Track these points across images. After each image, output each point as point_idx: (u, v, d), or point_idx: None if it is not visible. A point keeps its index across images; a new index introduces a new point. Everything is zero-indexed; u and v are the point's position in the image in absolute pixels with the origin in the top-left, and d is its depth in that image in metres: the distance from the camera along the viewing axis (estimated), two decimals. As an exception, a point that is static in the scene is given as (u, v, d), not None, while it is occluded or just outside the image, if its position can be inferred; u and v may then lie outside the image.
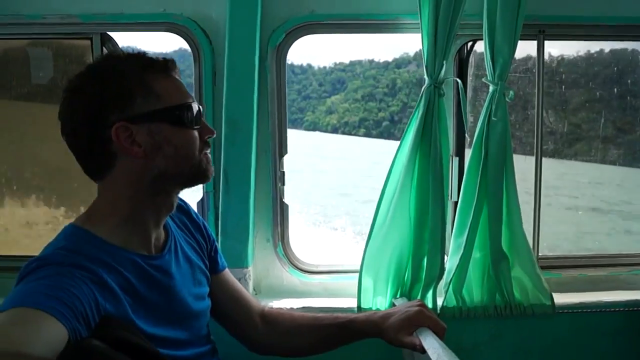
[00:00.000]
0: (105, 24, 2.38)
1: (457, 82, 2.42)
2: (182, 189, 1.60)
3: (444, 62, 2.25)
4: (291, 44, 2.44)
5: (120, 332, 1.30)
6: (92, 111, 1.42)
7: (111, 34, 2.43)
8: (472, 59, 2.57)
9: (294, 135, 2.58)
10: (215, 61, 2.38)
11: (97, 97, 1.42)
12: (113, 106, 1.42)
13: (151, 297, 1.50)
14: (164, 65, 1.49)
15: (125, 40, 2.44)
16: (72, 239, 1.43)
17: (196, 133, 1.53)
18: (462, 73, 2.56)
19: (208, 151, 1.57)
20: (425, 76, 2.27)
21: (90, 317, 1.29)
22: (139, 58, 1.48)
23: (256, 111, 2.35)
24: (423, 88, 2.27)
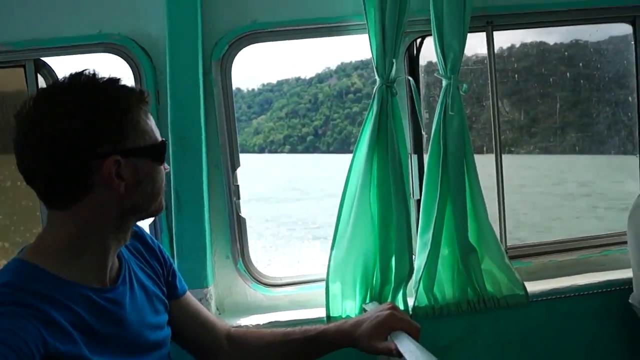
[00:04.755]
0: (39, 49, 2.29)
1: (409, 80, 2.39)
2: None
3: (394, 60, 2.22)
4: (235, 55, 2.39)
5: None
6: (83, 139, 1.34)
7: (45, 59, 2.34)
8: (422, 55, 2.54)
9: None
10: (157, 79, 2.31)
11: (92, 125, 1.35)
12: (107, 137, 1.36)
13: (106, 331, 1.42)
14: (146, 98, 1.46)
15: (61, 64, 2.35)
16: (17, 275, 1.34)
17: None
18: (413, 71, 2.53)
19: None
20: (377, 76, 2.23)
21: (38, 358, 1.21)
22: (132, 91, 1.43)
23: (204, 126, 2.29)
24: (375, 88, 2.24)
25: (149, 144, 1.43)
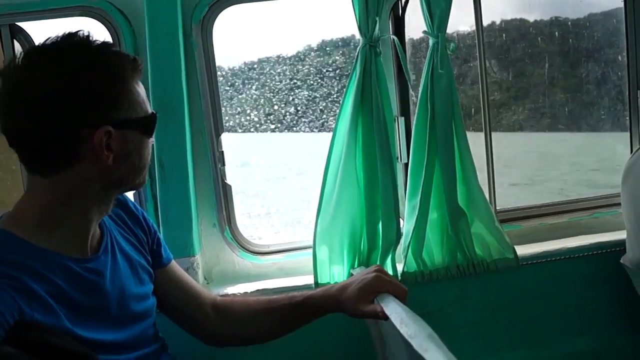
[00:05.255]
0: (14, 13, 2.22)
1: (394, 40, 2.33)
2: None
3: (377, 19, 2.15)
4: (216, 17, 2.32)
5: (39, 336, 1.18)
6: (76, 104, 1.29)
7: (21, 24, 2.27)
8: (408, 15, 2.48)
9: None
10: (136, 43, 2.24)
11: (87, 90, 1.30)
12: (101, 106, 1.32)
13: (87, 302, 1.39)
14: (140, 66, 1.42)
15: (37, 29, 2.28)
16: None
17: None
18: (398, 31, 2.47)
19: None
20: (359, 36, 2.17)
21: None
22: (127, 59, 1.39)
23: (186, 91, 2.23)
24: (358, 48, 2.18)
25: (140, 116, 1.40)
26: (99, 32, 2.22)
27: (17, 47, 2.27)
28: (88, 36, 1.36)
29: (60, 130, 1.30)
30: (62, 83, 1.28)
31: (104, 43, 1.38)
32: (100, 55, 1.35)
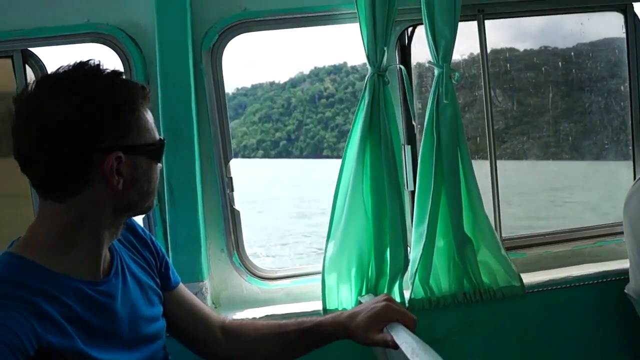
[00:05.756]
0: (27, 39, 2.25)
1: (401, 69, 2.37)
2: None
3: (385, 49, 2.20)
4: (225, 45, 2.36)
5: None
6: (87, 131, 1.31)
7: (33, 50, 2.30)
8: (414, 45, 2.52)
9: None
10: (147, 70, 2.27)
11: (97, 118, 1.32)
12: (112, 132, 1.34)
13: (100, 324, 1.39)
14: (148, 94, 1.45)
15: (48, 55, 2.31)
16: (7, 268, 1.31)
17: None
18: (405, 60, 2.51)
19: None
20: (368, 65, 2.21)
21: (30, 350, 1.19)
22: (136, 87, 1.42)
23: (196, 118, 2.26)
24: (367, 77, 2.22)
25: (149, 142, 1.42)
26: (110, 59, 2.25)
27: (29, 72, 2.30)
28: (98, 65, 1.38)
29: (71, 156, 1.31)
30: (73, 111, 1.30)
31: (114, 72, 1.40)
32: (110, 84, 1.37)
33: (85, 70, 1.36)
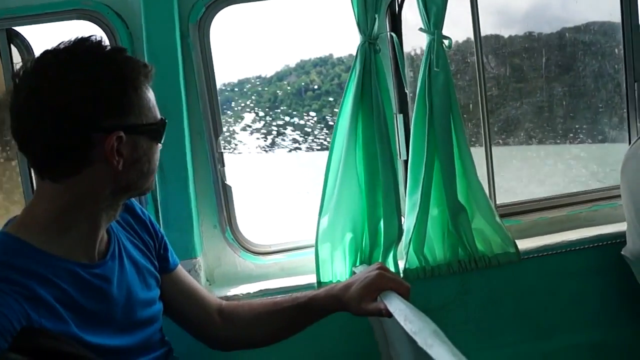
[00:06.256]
0: (11, 18, 2.21)
1: (392, 37, 2.34)
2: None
3: (376, 16, 2.16)
4: (213, 17, 2.31)
5: (44, 341, 1.18)
6: (90, 110, 1.30)
7: (18, 29, 2.27)
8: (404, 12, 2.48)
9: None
10: (134, 46, 2.23)
11: (100, 96, 1.31)
12: (114, 111, 1.33)
13: (94, 307, 1.39)
14: (151, 72, 1.42)
15: (33, 33, 2.28)
16: (1, 249, 1.30)
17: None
18: (396, 27, 2.46)
19: None
20: (359, 34, 2.17)
21: None
22: (139, 64, 1.39)
23: (184, 93, 2.23)
24: (357, 46, 2.18)
25: (150, 122, 1.41)
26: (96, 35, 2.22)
27: (15, 51, 2.27)
28: (100, 41, 1.36)
29: (72, 135, 1.30)
30: (75, 89, 1.29)
31: (116, 48, 1.39)
32: (112, 61, 1.35)
33: (86, 47, 1.35)
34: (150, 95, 1.43)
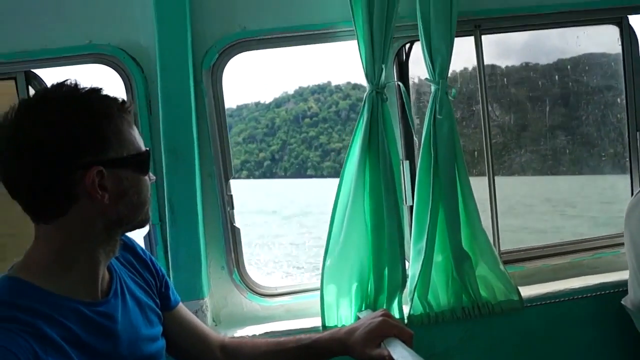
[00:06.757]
0: (29, 61, 2.28)
1: (399, 86, 2.39)
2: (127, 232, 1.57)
3: (383, 66, 2.22)
4: (225, 64, 2.39)
5: None
6: (64, 149, 1.31)
7: (36, 71, 2.33)
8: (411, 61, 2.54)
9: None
10: (148, 89, 2.30)
11: (73, 135, 1.32)
12: (89, 147, 1.33)
13: (99, 345, 1.40)
14: (129, 108, 1.43)
15: (51, 76, 2.34)
16: (6, 291, 1.32)
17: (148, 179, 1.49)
18: (403, 76, 2.53)
19: None
20: (366, 83, 2.23)
21: None
22: (113, 100, 1.40)
23: (196, 136, 2.28)
24: (365, 95, 2.24)
25: (132, 154, 1.40)
26: (112, 79, 2.28)
27: (32, 93, 2.31)
28: (75, 84, 1.38)
29: (52, 175, 1.32)
30: (49, 130, 1.30)
31: (91, 89, 1.39)
32: (85, 100, 1.37)
33: (61, 91, 1.37)
34: (132, 129, 1.43)
